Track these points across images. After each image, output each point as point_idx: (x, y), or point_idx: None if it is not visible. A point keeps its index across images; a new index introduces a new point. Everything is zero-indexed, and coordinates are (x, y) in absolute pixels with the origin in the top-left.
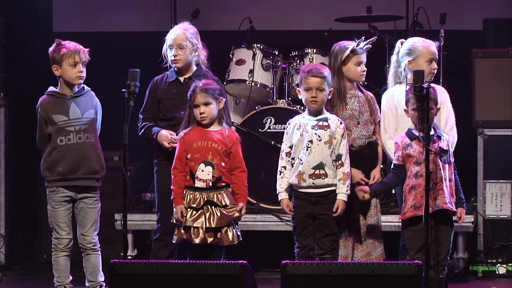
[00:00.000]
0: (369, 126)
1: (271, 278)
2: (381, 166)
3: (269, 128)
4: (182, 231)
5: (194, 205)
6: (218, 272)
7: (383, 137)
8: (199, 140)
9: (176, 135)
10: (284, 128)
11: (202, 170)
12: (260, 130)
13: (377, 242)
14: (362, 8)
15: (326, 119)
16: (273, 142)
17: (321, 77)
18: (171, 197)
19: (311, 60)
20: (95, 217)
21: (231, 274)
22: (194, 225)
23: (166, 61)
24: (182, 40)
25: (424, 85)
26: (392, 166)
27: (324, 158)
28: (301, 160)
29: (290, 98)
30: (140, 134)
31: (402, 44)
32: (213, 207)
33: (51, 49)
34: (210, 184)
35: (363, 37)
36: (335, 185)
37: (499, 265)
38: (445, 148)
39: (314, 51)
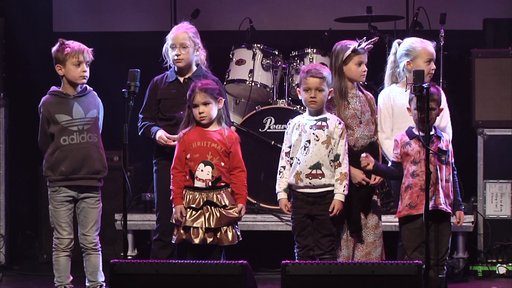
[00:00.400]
0: (371, 126)
1: (271, 278)
2: None
3: (269, 128)
4: (182, 231)
5: (194, 205)
6: (218, 272)
7: (380, 137)
8: (199, 140)
9: (176, 135)
10: (284, 128)
11: (202, 170)
12: (260, 130)
13: (377, 242)
14: (362, 8)
15: (325, 119)
16: (273, 142)
17: (320, 78)
18: (171, 197)
19: (311, 60)
20: (97, 217)
21: (231, 274)
22: (194, 225)
23: (166, 61)
24: (185, 39)
25: (424, 85)
26: (390, 164)
27: (321, 158)
28: (298, 160)
29: (290, 98)
30: (139, 133)
31: (399, 44)
32: (212, 207)
33: (54, 48)
34: (210, 184)
35: (365, 37)
36: (333, 185)
37: (499, 265)
38: (444, 148)
39: (314, 51)
